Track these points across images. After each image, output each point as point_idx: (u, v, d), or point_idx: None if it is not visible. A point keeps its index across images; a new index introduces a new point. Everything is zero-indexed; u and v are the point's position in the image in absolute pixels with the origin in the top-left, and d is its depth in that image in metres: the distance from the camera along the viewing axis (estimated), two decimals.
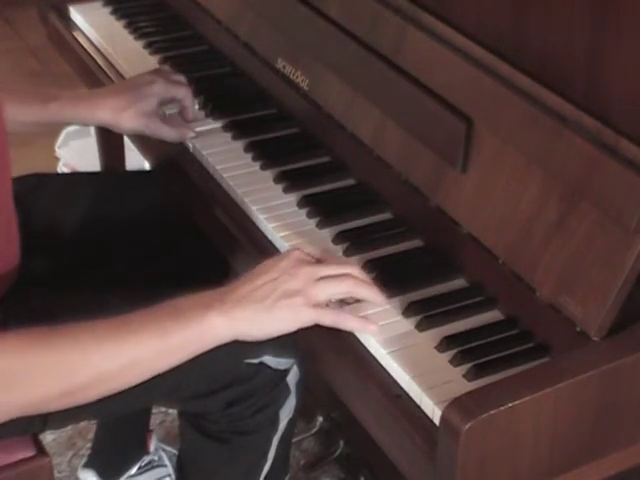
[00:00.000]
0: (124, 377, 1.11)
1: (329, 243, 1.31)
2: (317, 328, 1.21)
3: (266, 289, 1.13)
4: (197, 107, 1.59)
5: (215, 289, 1.14)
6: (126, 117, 1.50)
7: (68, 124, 1.67)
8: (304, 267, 1.15)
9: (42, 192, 1.54)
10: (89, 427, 2.01)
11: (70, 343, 1.08)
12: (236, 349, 1.32)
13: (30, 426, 1.30)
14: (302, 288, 1.13)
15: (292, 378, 1.35)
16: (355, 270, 1.18)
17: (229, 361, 1.32)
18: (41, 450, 1.34)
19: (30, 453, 1.33)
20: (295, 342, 1.32)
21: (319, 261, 1.18)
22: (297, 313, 1.13)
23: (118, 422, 1.79)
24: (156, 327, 1.10)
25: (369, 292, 1.17)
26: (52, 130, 2.90)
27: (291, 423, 1.39)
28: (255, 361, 1.32)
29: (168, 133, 1.52)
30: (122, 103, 1.50)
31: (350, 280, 1.15)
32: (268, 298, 1.12)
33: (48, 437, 2.00)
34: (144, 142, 1.62)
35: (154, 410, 1.96)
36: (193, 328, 1.10)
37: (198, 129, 1.55)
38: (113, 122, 1.51)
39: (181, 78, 1.58)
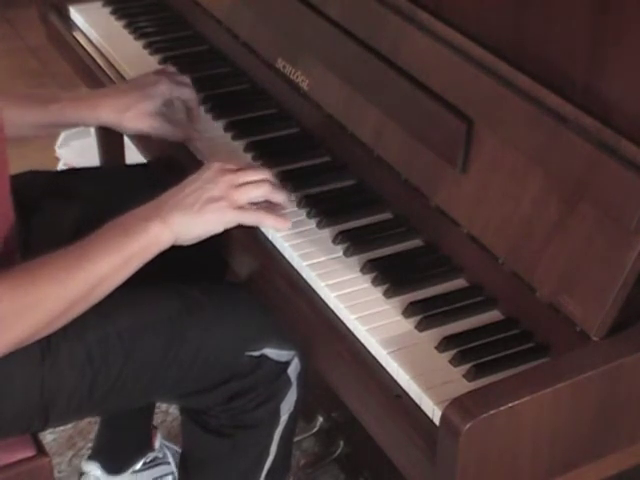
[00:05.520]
0: (93, 297, 1.22)
1: (329, 243, 1.31)
2: (316, 326, 1.21)
3: (194, 197, 1.27)
4: (203, 110, 1.58)
5: (149, 203, 1.27)
6: (129, 117, 1.48)
7: (70, 126, 1.64)
8: (225, 175, 1.29)
9: (39, 188, 1.53)
10: (89, 427, 2.01)
11: (48, 278, 1.19)
12: (237, 342, 1.33)
13: (31, 425, 1.29)
14: (224, 193, 1.27)
15: (293, 370, 1.36)
16: (270, 176, 1.33)
17: (230, 354, 1.33)
18: (41, 450, 1.33)
19: (30, 453, 1.33)
20: (295, 334, 1.32)
21: (238, 170, 1.31)
22: (222, 215, 1.27)
23: (122, 418, 1.79)
24: (112, 247, 1.22)
25: (282, 196, 1.33)
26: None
27: (292, 418, 1.40)
28: (256, 353, 1.33)
29: (173, 133, 1.51)
30: (125, 103, 1.48)
31: (267, 185, 1.31)
32: (196, 204, 1.26)
33: (48, 437, 2.00)
34: (143, 140, 1.62)
35: (155, 410, 1.96)
36: (141, 239, 1.23)
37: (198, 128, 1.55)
38: (116, 122, 1.49)
39: (185, 78, 1.56)
